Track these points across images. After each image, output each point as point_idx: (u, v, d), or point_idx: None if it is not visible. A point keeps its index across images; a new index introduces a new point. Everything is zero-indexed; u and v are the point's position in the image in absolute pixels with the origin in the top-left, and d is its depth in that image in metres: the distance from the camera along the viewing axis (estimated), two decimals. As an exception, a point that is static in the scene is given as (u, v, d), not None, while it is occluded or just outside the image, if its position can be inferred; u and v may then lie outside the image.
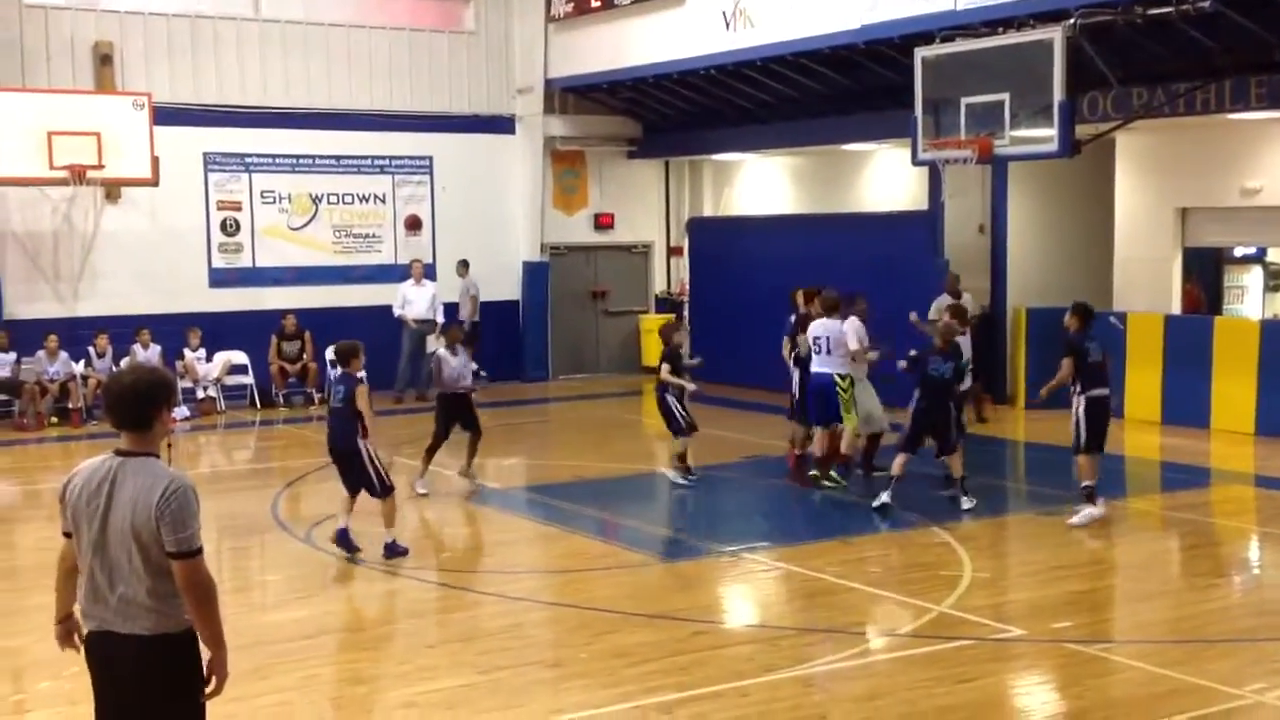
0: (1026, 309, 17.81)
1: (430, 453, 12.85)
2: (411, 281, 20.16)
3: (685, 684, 7.43)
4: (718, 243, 21.81)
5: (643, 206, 23.52)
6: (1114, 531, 11.14)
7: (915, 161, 16.04)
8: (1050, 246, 18.52)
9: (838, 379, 12.37)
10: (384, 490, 10.27)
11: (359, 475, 10.27)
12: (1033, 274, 18.31)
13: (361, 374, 10.46)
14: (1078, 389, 11.32)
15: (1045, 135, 14.32)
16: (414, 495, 12.54)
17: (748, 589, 9.91)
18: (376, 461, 10.27)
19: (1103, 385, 11.43)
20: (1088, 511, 11.04)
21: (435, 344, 19.82)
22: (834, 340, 12.43)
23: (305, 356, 19.51)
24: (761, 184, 22.63)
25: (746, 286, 20.12)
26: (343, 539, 10.34)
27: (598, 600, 9.22)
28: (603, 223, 23.14)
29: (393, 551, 10.28)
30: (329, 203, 20.83)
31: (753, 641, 8.37)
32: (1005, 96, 14.51)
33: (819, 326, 12.60)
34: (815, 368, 12.55)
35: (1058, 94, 13.95)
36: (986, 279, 18.09)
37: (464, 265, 20.66)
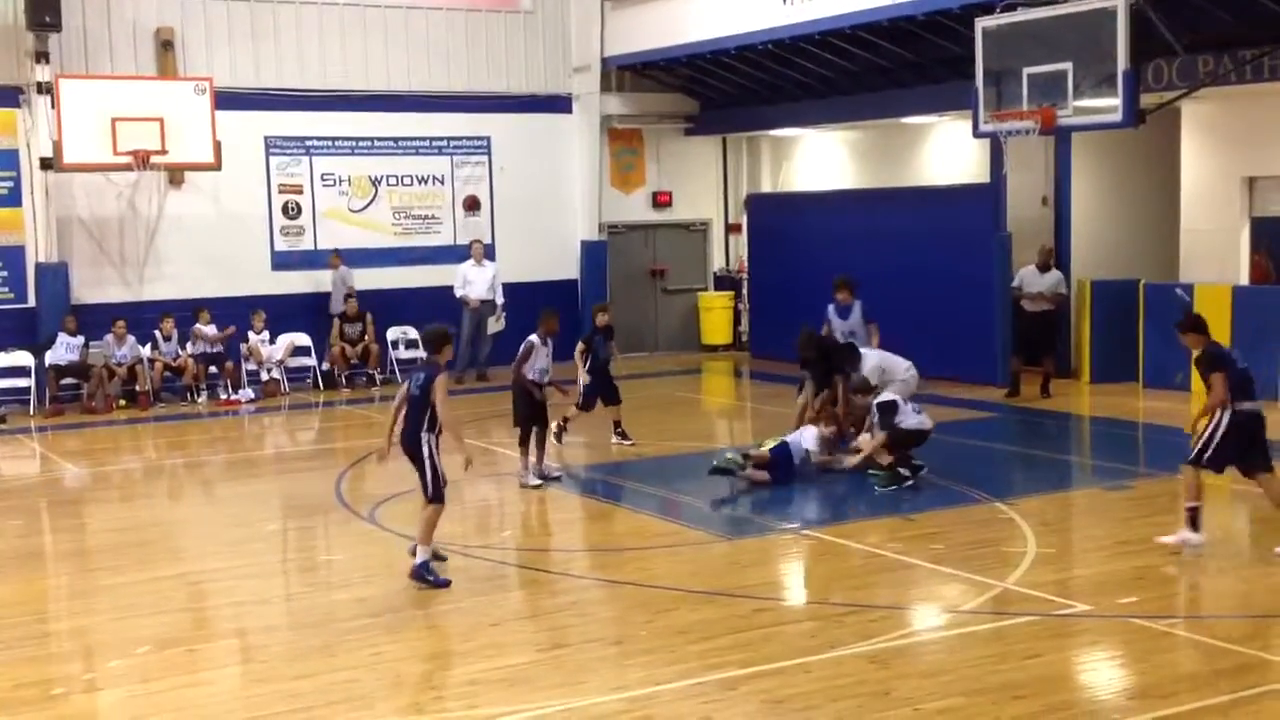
0: (1091, 282, 17.58)
1: (524, 443, 12.57)
2: (472, 262, 20.24)
3: (748, 660, 7.42)
4: (777, 219, 21.70)
5: (700, 184, 23.45)
6: (1181, 506, 10.97)
7: (976, 134, 15.87)
8: (1114, 218, 18.27)
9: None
10: (433, 496, 9.29)
11: (419, 469, 9.37)
12: (1097, 246, 18.08)
13: (453, 361, 9.87)
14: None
15: (1109, 105, 14.11)
16: (524, 488, 12.38)
17: (809, 566, 9.87)
18: (436, 462, 9.31)
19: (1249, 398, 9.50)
20: (1184, 535, 9.54)
21: (494, 325, 19.97)
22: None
23: (366, 338, 19.66)
24: (820, 159, 22.48)
25: (806, 263, 20.01)
26: (420, 572, 9.23)
27: (659, 578, 9.23)
28: (660, 201, 23.11)
29: (420, 575, 9.16)
30: (388, 184, 20.95)
31: (815, 618, 8.35)
32: (1068, 66, 14.31)
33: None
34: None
35: (1122, 63, 13.73)
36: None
37: (338, 255, 20.04)
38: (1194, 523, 9.42)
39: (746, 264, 22.64)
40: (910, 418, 11.92)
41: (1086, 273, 17.83)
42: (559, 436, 13.89)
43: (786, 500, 11.79)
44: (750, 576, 9.34)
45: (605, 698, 6.98)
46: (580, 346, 14.19)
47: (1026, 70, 14.78)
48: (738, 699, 6.94)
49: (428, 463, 9.27)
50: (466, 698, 7.04)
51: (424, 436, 9.27)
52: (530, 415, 12.47)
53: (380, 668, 7.65)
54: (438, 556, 9.50)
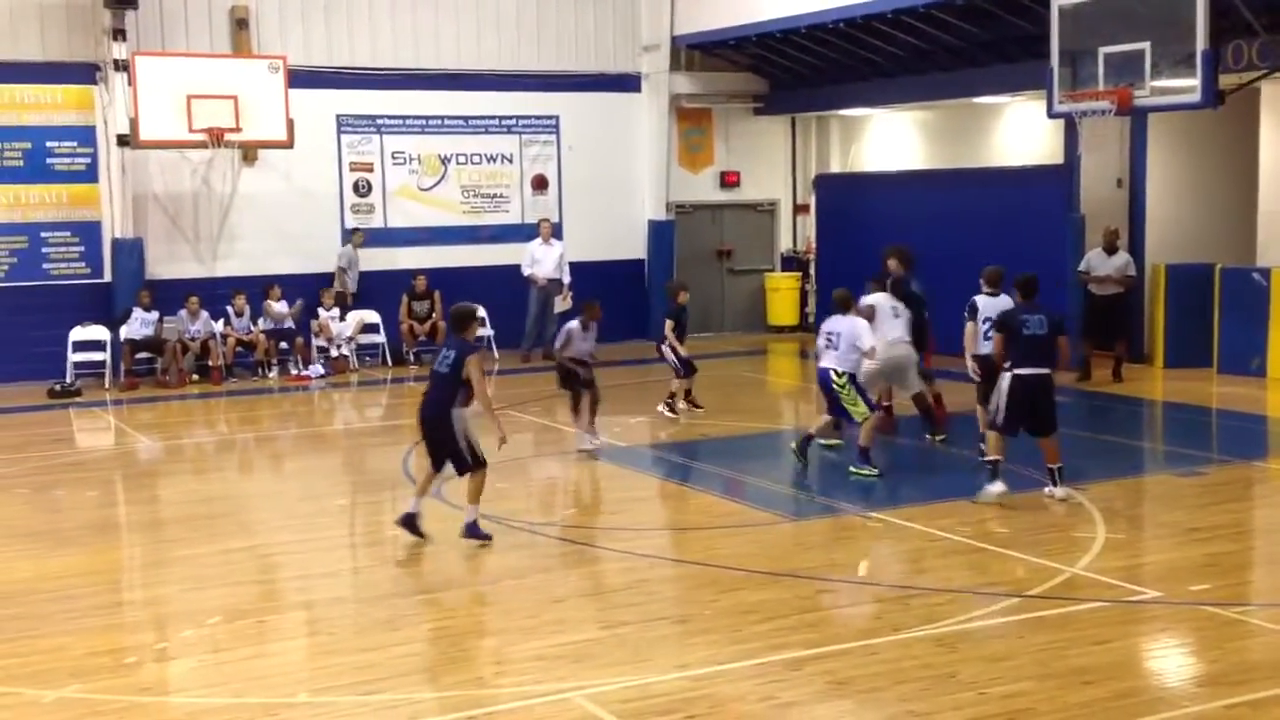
0: (1166, 266, 17.30)
1: (576, 410, 12.95)
2: (539, 241, 20.28)
3: (812, 641, 7.40)
4: (845, 200, 21.54)
5: (768, 164, 23.34)
6: (1255, 493, 10.81)
7: (1051, 114, 15.66)
8: (1191, 200, 17.96)
9: (834, 375, 11.62)
10: (475, 464, 9.55)
11: (447, 446, 9.56)
12: (1172, 229, 17.78)
13: (481, 339, 10.04)
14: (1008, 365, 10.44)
15: (1187, 85, 13.88)
16: (580, 457, 12.76)
17: (875, 548, 9.82)
18: (468, 435, 9.52)
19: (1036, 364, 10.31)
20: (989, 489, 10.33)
21: (561, 304, 20.01)
22: (845, 337, 11.66)
23: (435, 315, 19.79)
24: (890, 139, 22.29)
25: (875, 244, 19.77)
26: (471, 530, 9.64)
27: (723, 557, 9.23)
28: (728, 181, 23.03)
29: (472, 533, 9.58)
30: (457, 163, 21.05)
31: (880, 600, 8.31)
32: (1145, 45, 14.09)
33: (832, 323, 11.84)
34: (820, 363, 11.89)
35: (1201, 42, 13.50)
36: (1125, 235, 17.62)
37: (359, 232, 20.12)
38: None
39: (814, 244, 22.52)
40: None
41: (1162, 256, 17.54)
42: (671, 408, 14.73)
43: (853, 482, 11.73)
44: (815, 557, 9.31)
45: (668, 676, 6.99)
46: (670, 324, 14.71)
47: (1103, 50, 14.56)
48: (801, 679, 6.93)
49: (460, 437, 9.49)
50: (530, 673, 7.08)
51: (454, 413, 9.48)
52: (576, 385, 12.89)
53: (444, 642, 7.72)
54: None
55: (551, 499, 11.94)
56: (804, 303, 22.98)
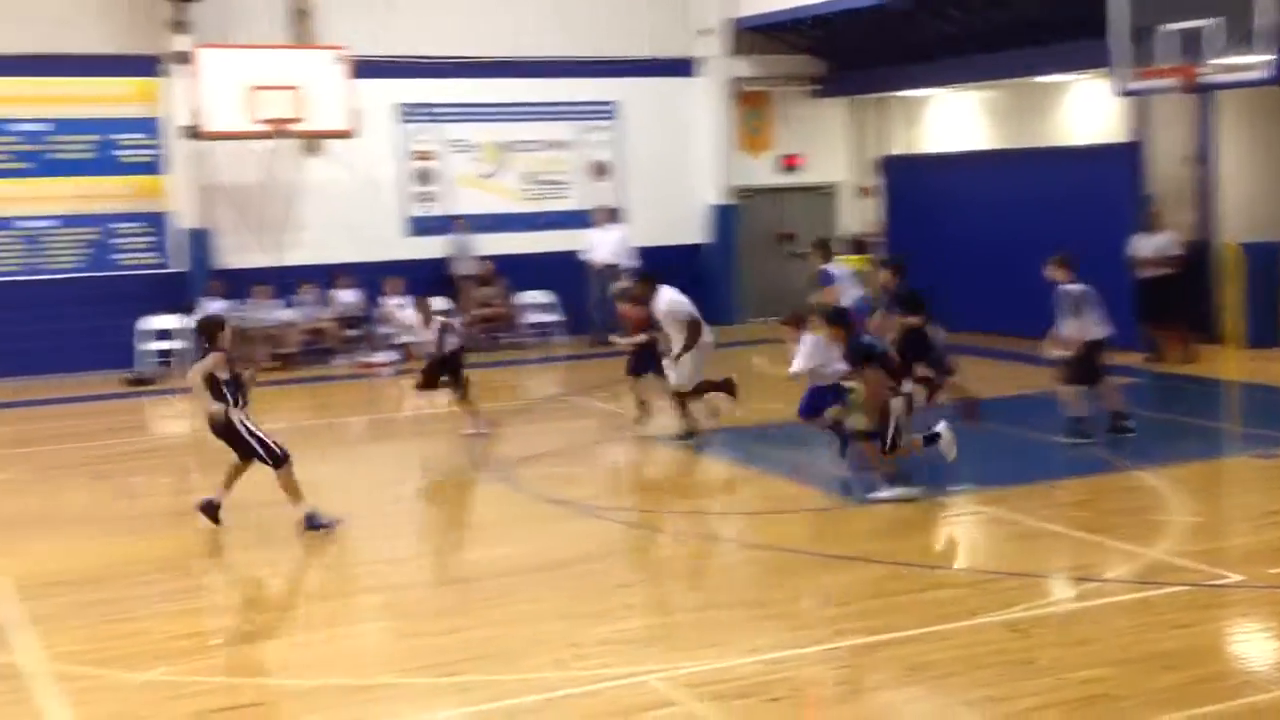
0: (1240, 244, 17.02)
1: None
2: (600, 226, 20.35)
3: (885, 626, 7.37)
4: (912, 181, 21.36)
5: (829, 146, 23.22)
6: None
7: (1116, 92, 15.44)
8: (1264, 177, 17.64)
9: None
10: (276, 460, 9.81)
11: (240, 445, 9.89)
12: (1245, 206, 17.47)
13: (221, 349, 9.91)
14: None
15: (1256, 62, 13.64)
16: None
17: (948, 532, 9.78)
18: (254, 432, 9.85)
19: None
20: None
21: (618, 288, 20.03)
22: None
23: (499, 302, 19.88)
24: (952, 120, 22.08)
25: (943, 225, 19.72)
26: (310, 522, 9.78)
27: (793, 542, 9.22)
28: (789, 164, 22.93)
29: (311, 525, 9.73)
30: (517, 150, 21.12)
31: (955, 585, 8.26)
32: (1212, 22, 13.85)
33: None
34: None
35: (1268, 17, 13.24)
36: (1194, 213, 17.37)
37: (462, 220, 20.36)
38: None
39: (879, 227, 22.36)
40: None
41: (1234, 234, 17.27)
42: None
43: (927, 465, 11.65)
44: (887, 543, 9.27)
45: (741, 660, 7.00)
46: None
47: (1168, 26, 14.34)
48: (876, 664, 6.91)
49: (247, 435, 9.86)
50: (604, 656, 7.11)
51: (230, 414, 9.75)
52: (636, 367, 13.12)
53: (520, 625, 7.77)
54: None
55: (623, 484, 11.97)
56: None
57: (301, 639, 7.67)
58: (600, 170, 21.57)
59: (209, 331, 10.01)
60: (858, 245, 22.92)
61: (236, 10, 19.13)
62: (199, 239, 18.93)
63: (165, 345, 18.56)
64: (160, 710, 6.56)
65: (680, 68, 21.85)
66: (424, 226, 20.53)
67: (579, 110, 21.43)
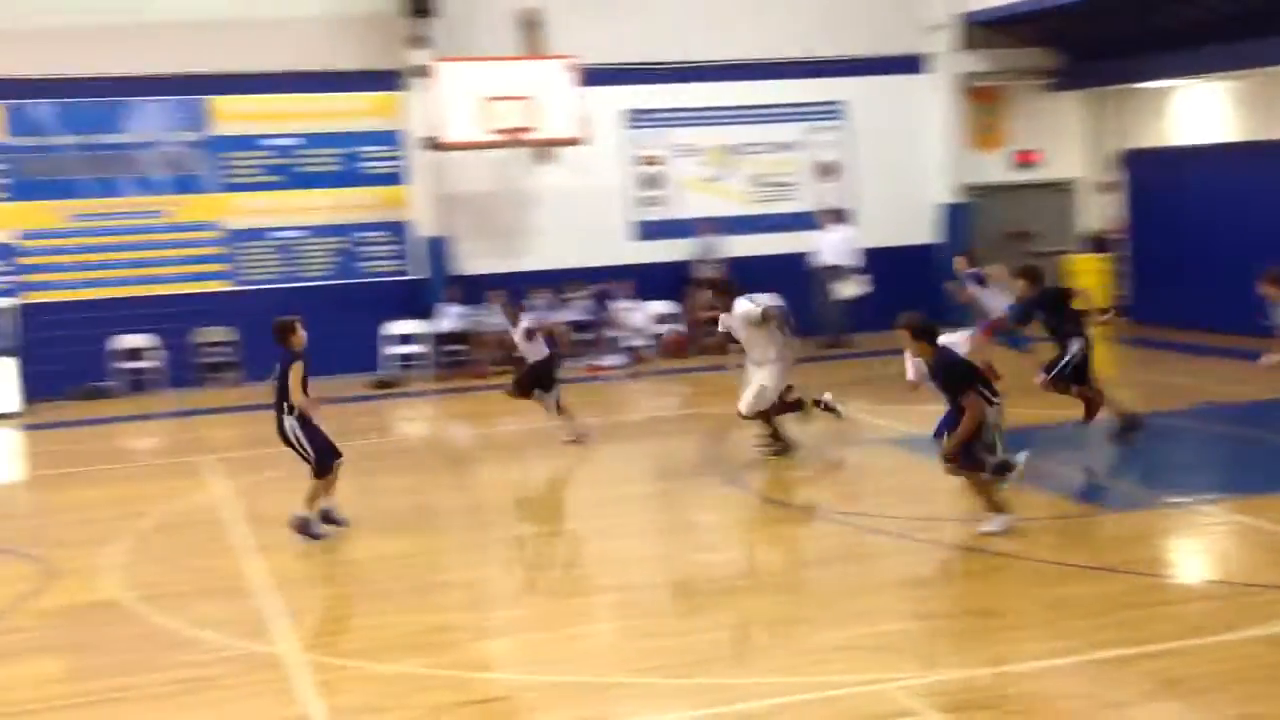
0: None
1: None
2: (826, 227, 20.21)
3: (1137, 639, 7.07)
4: (1156, 176, 20.48)
5: (1064, 141, 22.49)
6: None
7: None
8: None
9: None
10: (319, 469, 10.01)
11: (293, 449, 10.13)
12: None
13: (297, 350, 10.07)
14: None
15: None
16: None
17: (1201, 542, 9.33)
18: (299, 438, 10.00)
19: None
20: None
21: (845, 290, 19.84)
22: None
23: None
24: (1199, 111, 21.09)
25: (1189, 222, 18.86)
26: (301, 526, 10.01)
27: (1035, 550, 8.94)
28: (1023, 160, 22.31)
29: (301, 529, 9.96)
30: (744, 153, 21.15)
31: (1210, 597, 7.89)
32: None
33: None
34: None
35: None
36: None
37: (707, 223, 20.38)
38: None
39: (1120, 224, 21.53)
40: None
41: None
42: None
43: (1176, 471, 11.19)
44: (1136, 551, 8.91)
45: (981, 670, 6.83)
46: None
47: None
48: (1128, 678, 6.64)
49: (296, 441, 10.05)
50: (840, 662, 7.03)
51: (284, 420, 10.00)
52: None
53: (755, 628, 7.76)
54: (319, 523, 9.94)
55: (856, 488, 11.82)
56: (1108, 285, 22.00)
57: (538, 636, 7.82)
58: (827, 171, 21.41)
59: (282, 333, 10.03)
60: (1098, 243, 22.16)
61: (471, 24, 19.69)
62: (437, 246, 19.58)
63: (407, 349, 19.24)
64: (404, 701, 6.78)
65: (909, 65, 21.50)
66: (650, 231, 20.76)
67: (806, 111, 21.32)
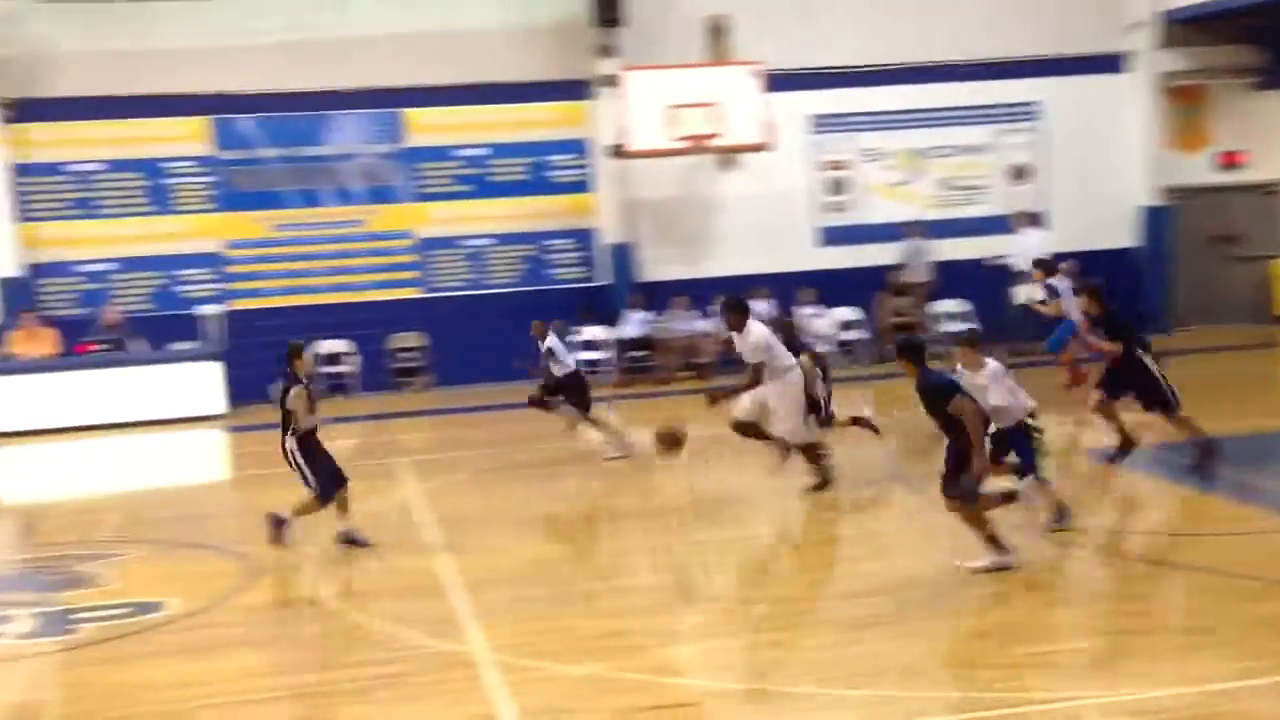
0: None
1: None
2: (1018, 231, 19.77)
3: (1350, 662, 6.75)
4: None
5: (1272, 142, 21.54)
6: None
7: None
8: None
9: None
10: (320, 494, 10.05)
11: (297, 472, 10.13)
12: None
13: (306, 374, 10.17)
14: None
15: None
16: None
17: None
18: (301, 463, 10.06)
19: None
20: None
21: (1023, 295, 19.31)
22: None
23: (912, 312, 19.67)
24: None
25: None
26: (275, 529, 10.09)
27: (1240, 565, 8.56)
28: (1228, 161, 21.44)
29: (288, 533, 10.04)
30: (932, 156, 20.83)
31: None
32: None
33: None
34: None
35: None
36: None
37: (917, 225, 20.02)
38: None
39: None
40: None
41: None
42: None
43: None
44: (1348, 570, 8.48)
45: (1178, 689, 6.56)
46: None
47: None
48: (1339, 703, 6.33)
49: (298, 465, 10.11)
50: (1026, 677, 6.85)
51: (286, 442, 10.06)
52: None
53: (935, 640, 7.61)
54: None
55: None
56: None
57: (723, 643, 7.82)
58: (1020, 173, 20.94)
59: (289, 358, 10.21)
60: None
61: (658, 32, 19.87)
62: (622, 253, 19.78)
63: (592, 355, 19.48)
64: (592, 704, 6.85)
65: (1106, 64, 20.90)
66: (835, 236, 20.61)
67: (998, 113, 20.90)
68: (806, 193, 20.68)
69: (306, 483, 10.10)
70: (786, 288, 19.75)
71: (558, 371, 13.75)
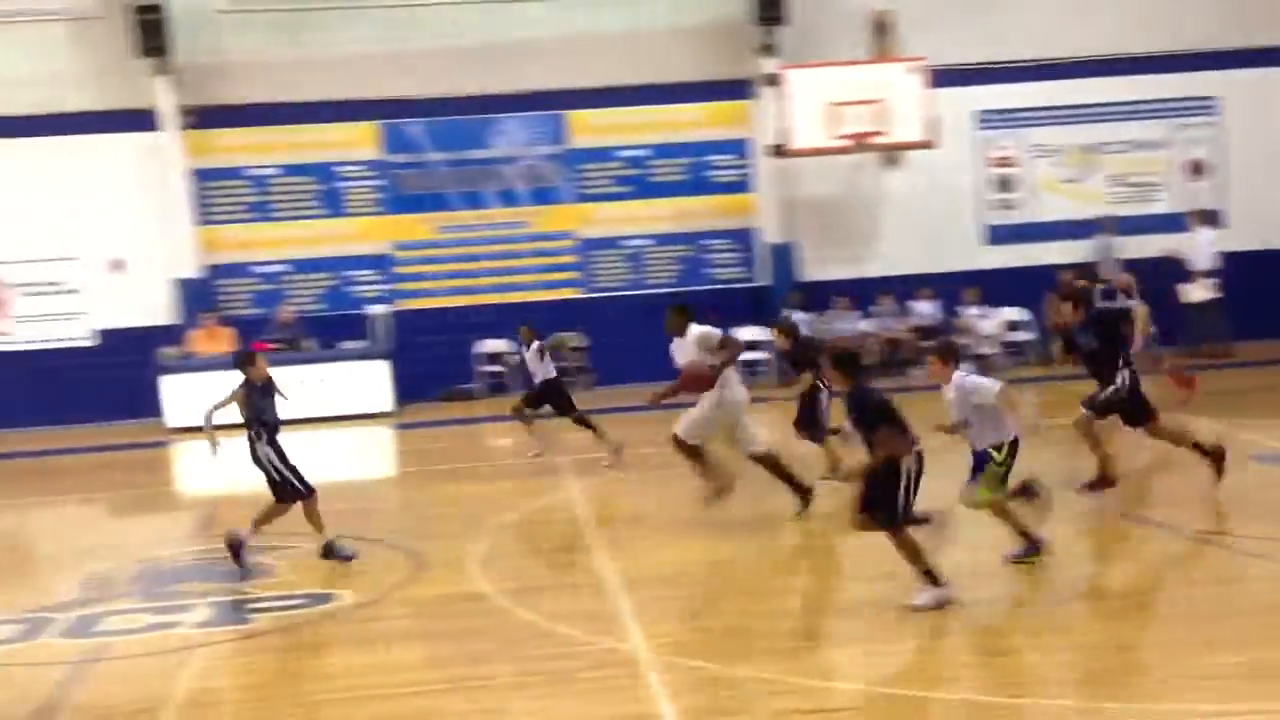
0: None
1: None
2: (1194, 229, 19.11)
3: None
4: None
5: None
6: None
7: None
8: None
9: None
10: (291, 493, 10.07)
11: (266, 476, 10.19)
12: None
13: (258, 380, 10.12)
14: None
15: None
16: None
17: None
18: (273, 465, 10.08)
19: None
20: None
21: (1194, 293, 18.66)
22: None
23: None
24: None
25: None
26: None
27: None
28: None
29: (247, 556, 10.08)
30: (1103, 152, 20.26)
31: None
32: None
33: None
34: None
35: None
36: None
37: (1106, 220, 19.27)
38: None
39: None
40: None
41: None
42: None
43: None
44: None
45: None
46: None
47: None
48: None
49: (269, 468, 10.22)
50: (1201, 690, 6.63)
51: (257, 448, 10.22)
52: None
53: (1107, 651, 7.40)
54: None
55: (1221, 506, 11.10)
56: None
57: (882, 648, 7.71)
58: (1197, 170, 20.23)
59: (239, 364, 10.32)
60: None
61: (820, 29, 19.73)
62: (782, 253, 19.68)
63: (754, 356, 19.40)
64: (750, 706, 6.84)
65: (1291, 54, 20.08)
66: (1002, 235, 20.19)
67: (1174, 107, 20.22)
68: (972, 190, 20.30)
69: (274, 482, 10.17)
70: (951, 287, 19.44)
71: (541, 375, 14.33)
